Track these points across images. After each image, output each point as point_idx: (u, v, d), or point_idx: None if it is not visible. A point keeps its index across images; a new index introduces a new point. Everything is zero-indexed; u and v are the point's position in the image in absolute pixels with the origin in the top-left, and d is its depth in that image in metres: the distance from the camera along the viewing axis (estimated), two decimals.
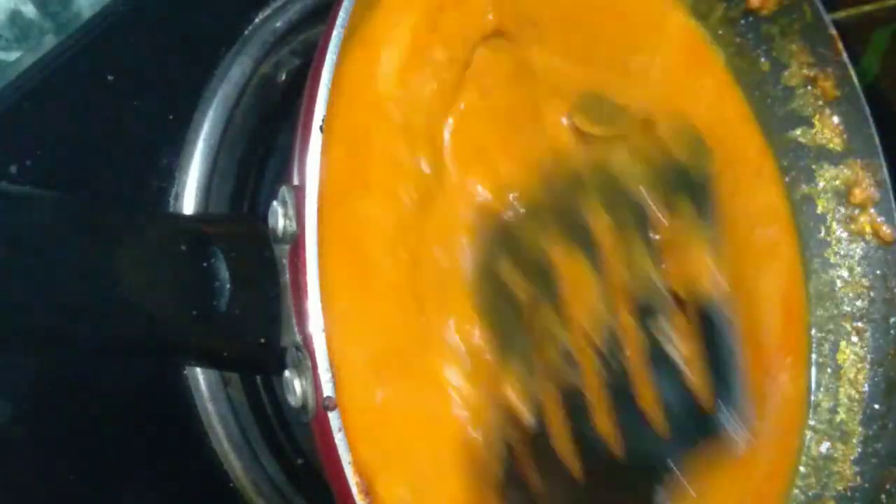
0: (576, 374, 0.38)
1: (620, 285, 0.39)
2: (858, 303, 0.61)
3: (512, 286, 0.39)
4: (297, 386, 0.40)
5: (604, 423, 0.38)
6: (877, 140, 0.61)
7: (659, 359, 0.39)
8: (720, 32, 0.62)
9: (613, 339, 0.39)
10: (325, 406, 0.39)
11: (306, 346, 0.40)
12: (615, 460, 0.37)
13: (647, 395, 0.38)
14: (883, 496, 0.57)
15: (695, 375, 0.39)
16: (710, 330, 0.40)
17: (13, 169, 0.46)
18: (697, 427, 0.39)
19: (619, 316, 0.39)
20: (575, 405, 0.38)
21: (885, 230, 0.61)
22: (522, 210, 0.41)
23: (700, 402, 0.39)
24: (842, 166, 0.62)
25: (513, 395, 0.38)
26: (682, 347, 0.39)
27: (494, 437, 0.38)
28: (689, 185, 0.40)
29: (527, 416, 0.38)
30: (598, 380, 0.38)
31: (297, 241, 0.41)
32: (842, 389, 0.60)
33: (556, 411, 0.38)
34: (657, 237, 0.40)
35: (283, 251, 0.42)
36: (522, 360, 0.38)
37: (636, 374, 0.38)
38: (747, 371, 0.39)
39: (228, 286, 0.42)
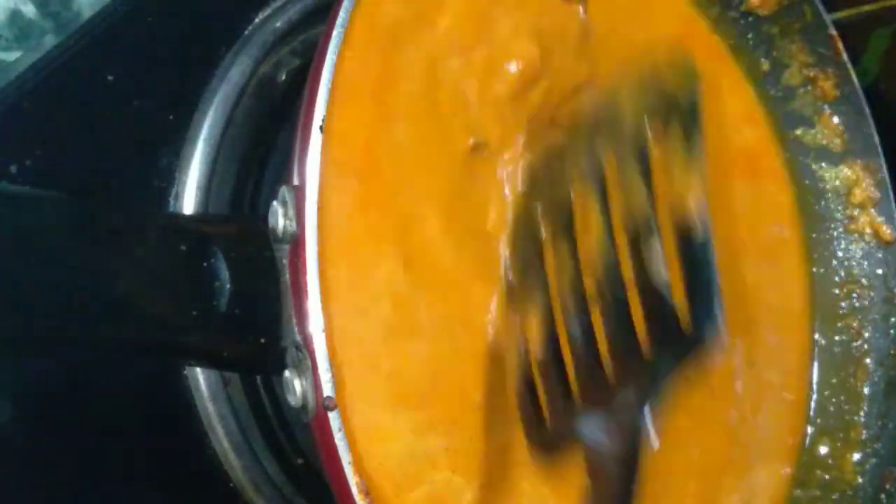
0: (583, 304, 0.43)
1: (620, 215, 0.43)
2: (858, 303, 0.61)
3: (538, 225, 0.45)
4: (297, 386, 0.40)
5: (603, 347, 0.43)
6: (877, 140, 0.61)
7: (648, 284, 0.43)
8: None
9: (614, 268, 0.43)
10: (325, 406, 0.39)
11: (306, 346, 0.40)
12: (609, 384, 0.43)
13: (639, 320, 0.43)
14: (883, 496, 0.57)
15: (676, 297, 0.42)
16: (691, 254, 0.43)
17: (13, 169, 0.46)
18: (678, 347, 0.43)
19: (618, 245, 0.43)
20: (581, 331, 0.43)
21: (885, 230, 0.61)
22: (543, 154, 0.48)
23: (680, 322, 0.42)
24: (842, 166, 0.62)
25: (533, 322, 0.45)
26: (665, 271, 0.42)
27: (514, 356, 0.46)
28: (679, 111, 0.44)
29: (540, 344, 0.44)
30: (601, 307, 0.43)
31: (297, 241, 0.41)
32: (842, 389, 0.60)
33: (565, 338, 0.43)
34: (651, 166, 0.44)
35: (283, 251, 0.42)
36: (542, 292, 0.45)
37: (631, 300, 0.43)
38: (723, 292, 0.44)
39: (228, 286, 0.42)
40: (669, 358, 0.42)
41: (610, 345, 0.43)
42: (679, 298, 0.42)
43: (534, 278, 0.45)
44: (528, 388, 0.44)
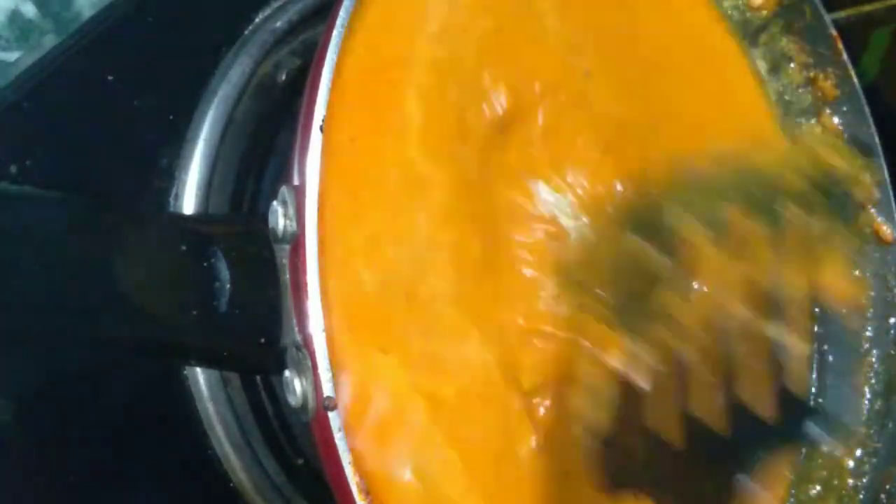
0: (687, 351, 0.41)
1: (747, 278, 0.41)
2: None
3: (646, 261, 0.42)
4: (297, 386, 0.40)
5: (710, 399, 0.40)
6: (877, 140, 0.61)
7: (769, 353, 0.40)
8: None
9: (729, 325, 0.40)
10: (325, 406, 0.39)
11: (306, 346, 0.40)
12: (710, 438, 0.40)
13: (751, 384, 0.40)
14: (883, 496, 0.57)
15: (798, 375, 0.40)
16: (824, 335, 0.41)
17: (13, 169, 0.46)
18: (789, 425, 0.40)
19: (739, 306, 0.41)
20: (682, 379, 0.41)
21: (885, 230, 0.61)
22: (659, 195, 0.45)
23: (799, 401, 0.40)
24: None
25: (622, 360, 0.41)
26: (794, 346, 0.40)
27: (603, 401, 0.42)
28: (827, 193, 0.41)
29: (641, 382, 0.41)
30: (709, 359, 0.41)
31: (297, 241, 0.41)
32: (842, 389, 0.60)
33: (666, 381, 0.41)
34: (789, 239, 0.41)
35: (283, 251, 0.42)
36: (638, 329, 0.42)
37: (746, 361, 0.40)
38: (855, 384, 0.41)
39: (228, 286, 0.42)
40: (777, 431, 0.39)
41: (720, 400, 0.40)
42: (801, 376, 0.39)
43: (630, 314, 0.42)
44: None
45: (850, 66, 0.60)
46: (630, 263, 0.43)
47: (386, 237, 0.44)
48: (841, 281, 0.40)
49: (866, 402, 0.60)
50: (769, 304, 0.40)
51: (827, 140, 0.42)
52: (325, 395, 0.39)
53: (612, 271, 0.44)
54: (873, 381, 0.60)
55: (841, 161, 0.42)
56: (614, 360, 0.42)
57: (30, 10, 0.55)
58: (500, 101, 0.49)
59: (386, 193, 0.44)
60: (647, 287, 0.42)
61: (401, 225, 0.45)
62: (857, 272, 0.40)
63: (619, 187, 0.48)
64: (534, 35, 0.52)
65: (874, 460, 0.58)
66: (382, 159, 0.45)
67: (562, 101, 0.51)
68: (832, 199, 0.41)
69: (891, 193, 0.61)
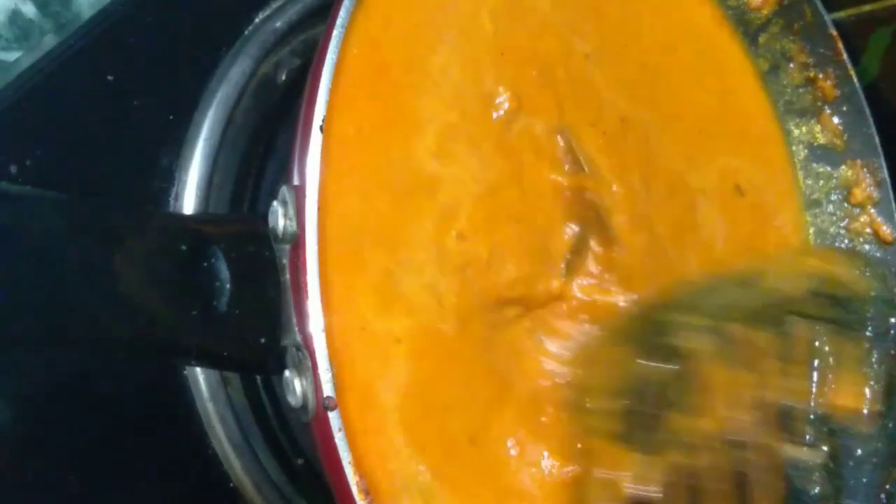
0: (699, 466, 0.41)
1: (756, 393, 0.41)
2: (858, 303, 0.61)
3: (655, 384, 0.42)
4: (297, 386, 0.40)
5: None
6: (877, 140, 0.61)
7: (781, 465, 0.40)
8: None
9: (742, 440, 0.40)
10: (325, 406, 0.39)
11: (306, 346, 0.40)
12: None
13: (763, 496, 0.40)
14: (883, 496, 0.57)
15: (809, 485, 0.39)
16: (844, 454, 0.40)
17: (13, 169, 0.46)
18: None
19: (749, 421, 0.41)
20: (695, 493, 0.40)
21: (885, 230, 0.61)
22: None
23: None
24: (842, 166, 0.62)
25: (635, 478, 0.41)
26: (811, 460, 0.40)
27: None
28: (860, 334, 0.41)
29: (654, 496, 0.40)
30: (721, 473, 0.40)
31: (297, 241, 0.41)
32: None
33: (678, 495, 0.40)
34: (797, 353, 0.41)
35: (283, 251, 0.42)
36: (649, 448, 0.42)
37: (758, 474, 0.40)
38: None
39: (228, 286, 0.42)
40: None
41: None
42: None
43: (646, 430, 0.42)
44: None
45: (850, 66, 0.60)
46: (639, 386, 0.43)
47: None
48: (849, 394, 0.39)
49: (866, 402, 0.60)
50: (779, 418, 0.40)
51: (832, 256, 0.41)
52: (325, 395, 0.39)
53: (620, 394, 0.44)
54: (873, 381, 0.60)
55: (847, 273, 0.41)
56: (627, 479, 0.42)
57: (30, 10, 0.55)
58: (503, 105, 0.49)
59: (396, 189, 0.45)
60: (656, 408, 0.42)
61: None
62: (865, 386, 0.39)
63: (622, 303, 0.48)
64: (534, 34, 0.52)
65: (874, 460, 0.58)
66: (393, 159, 0.45)
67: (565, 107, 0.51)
68: (840, 312, 0.41)
69: (891, 193, 0.61)
